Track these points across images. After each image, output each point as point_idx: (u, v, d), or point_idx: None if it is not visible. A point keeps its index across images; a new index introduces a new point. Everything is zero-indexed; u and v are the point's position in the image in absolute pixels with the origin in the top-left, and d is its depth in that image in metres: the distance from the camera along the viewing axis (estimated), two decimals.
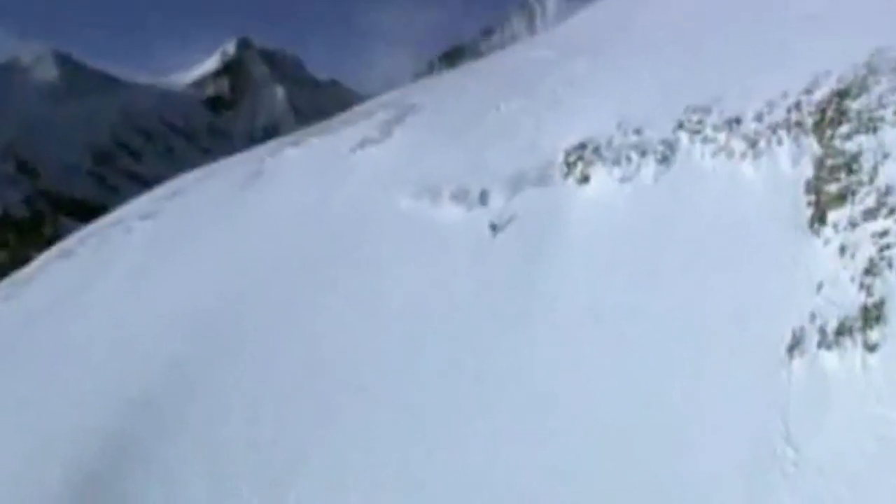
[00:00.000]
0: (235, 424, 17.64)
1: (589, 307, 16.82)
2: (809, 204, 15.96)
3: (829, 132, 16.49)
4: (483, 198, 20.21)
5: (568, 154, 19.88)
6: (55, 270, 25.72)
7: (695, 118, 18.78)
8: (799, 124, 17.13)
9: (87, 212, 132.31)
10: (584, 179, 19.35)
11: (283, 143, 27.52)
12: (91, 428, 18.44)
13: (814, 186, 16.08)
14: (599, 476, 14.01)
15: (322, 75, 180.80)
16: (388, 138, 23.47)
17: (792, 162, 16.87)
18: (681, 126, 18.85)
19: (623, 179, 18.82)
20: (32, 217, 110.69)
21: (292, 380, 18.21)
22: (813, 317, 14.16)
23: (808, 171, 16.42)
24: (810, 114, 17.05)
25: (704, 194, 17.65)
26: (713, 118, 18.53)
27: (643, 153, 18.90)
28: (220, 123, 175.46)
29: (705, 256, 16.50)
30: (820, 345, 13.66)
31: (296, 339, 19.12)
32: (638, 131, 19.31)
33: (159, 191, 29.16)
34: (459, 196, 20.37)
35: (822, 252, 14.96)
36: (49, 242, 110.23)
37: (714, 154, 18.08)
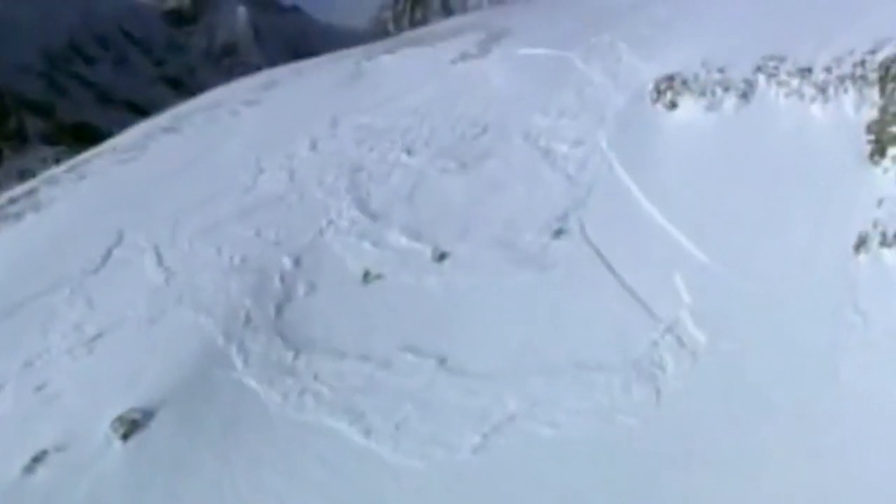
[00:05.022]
0: None
1: (683, 210, 20.50)
2: (870, 142, 19.78)
3: (890, 86, 20.31)
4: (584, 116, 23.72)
5: (658, 83, 23.49)
6: (166, 141, 28.36)
7: (771, 64, 22.29)
8: (863, 78, 20.71)
9: (42, 110, 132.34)
10: (673, 105, 23.01)
11: (375, 50, 30.31)
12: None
13: (875, 128, 19.91)
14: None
15: (285, 1, 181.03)
16: (488, 54, 26.56)
17: (855, 108, 20.52)
18: (759, 69, 22.36)
19: (708, 108, 22.44)
20: None
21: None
22: (875, 224, 17.93)
23: (869, 115, 20.26)
24: (873, 70, 20.69)
25: (779, 127, 21.31)
26: (787, 66, 22.08)
27: (726, 88, 22.51)
28: (178, 38, 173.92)
29: (781, 175, 20.21)
30: (881, 244, 17.35)
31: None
32: (721, 70, 22.87)
33: (253, 80, 31.74)
34: (566, 110, 23.87)
35: (881, 178, 18.58)
36: (15, 135, 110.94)
37: (787, 95, 21.68)
